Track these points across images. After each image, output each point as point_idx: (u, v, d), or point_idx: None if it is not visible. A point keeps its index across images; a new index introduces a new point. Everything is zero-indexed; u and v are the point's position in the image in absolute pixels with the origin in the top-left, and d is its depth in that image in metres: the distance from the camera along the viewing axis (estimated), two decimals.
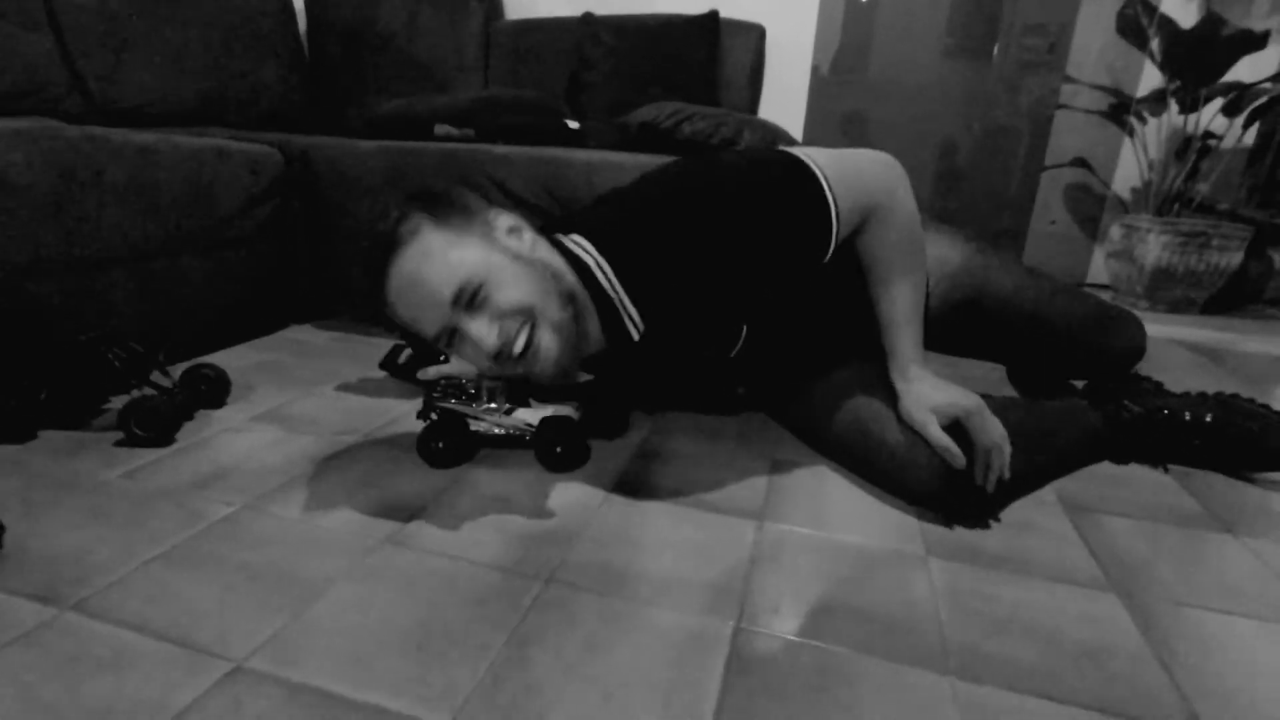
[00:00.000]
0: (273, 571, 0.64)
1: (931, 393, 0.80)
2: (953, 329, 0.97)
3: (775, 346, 0.94)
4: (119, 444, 0.89)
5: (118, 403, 0.98)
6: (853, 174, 0.78)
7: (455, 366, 1.16)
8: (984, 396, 0.80)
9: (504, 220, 0.78)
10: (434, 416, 0.89)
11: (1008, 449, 0.76)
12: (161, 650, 0.53)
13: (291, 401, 1.09)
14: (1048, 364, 1.00)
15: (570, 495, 0.81)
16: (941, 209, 2.70)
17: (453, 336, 0.74)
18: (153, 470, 0.83)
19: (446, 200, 0.75)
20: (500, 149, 1.38)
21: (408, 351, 1.18)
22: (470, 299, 0.71)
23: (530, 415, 0.88)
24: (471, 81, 1.97)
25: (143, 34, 1.58)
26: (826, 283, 0.89)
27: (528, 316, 0.73)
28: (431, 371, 1.14)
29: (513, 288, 0.72)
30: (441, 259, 0.71)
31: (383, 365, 1.19)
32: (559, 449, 0.86)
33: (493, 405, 0.88)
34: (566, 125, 1.79)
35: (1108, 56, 2.54)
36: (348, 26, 2.03)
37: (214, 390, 1.03)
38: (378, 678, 0.51)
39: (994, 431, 0.76)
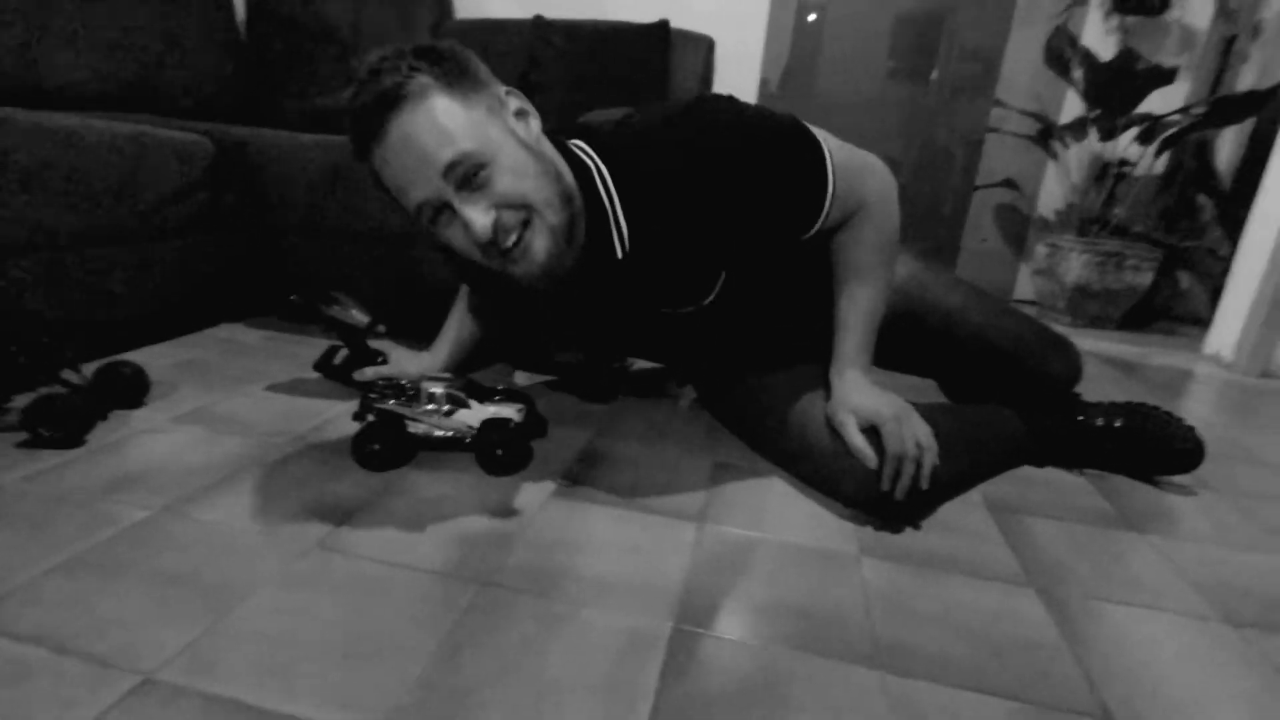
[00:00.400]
0: (190, 578, 0.60)
1: (856, 395, 0.82)
2: (893, 342, 0.99)
3: (737, 315, 0.91)
4: (22, 445, 0.83)
5: (22, 401, 0.92)
6: (856, 166, 0.80)
7: (392, 368, 1.13)
8: (914, 404, 0.83)
9: (514, 101, 0.72)
10: (371, 418, 0.86)
11: (929, 459, 0.78)
12: (62, 664, 0.50)
13: (217, 402, 1.04)
14: (987, 381, 1.01)
15: (510, 498, 0.80)
16: None
17: (439, 214, 0.69)
18: (59, 473, 0.78)
19: (457, 64, 0.68)
20: None
21: (343, 352, 1.14)
22: (470, 176, 0.66)
23: (471, 417, 0.87)
24: None
25: (66, 10, 1.49)
26: (797, 271, 0.89)
27: (527, 212, 0.69)
28: (368, 372, 1.11)
29: (517, 177, 0.68)
30: (447, 124, 0.65)
31: (317, 366, 1.15)
32: (500, 451, 0.85)
33: (432, 407, 0.86)
34: None
35: (1035, 84, 2.68)
36: (290, 17, 1.97)
37: (131, 389, 0.97)
38: (301, 687, 0.49)
39: (909, 440, 0.77)
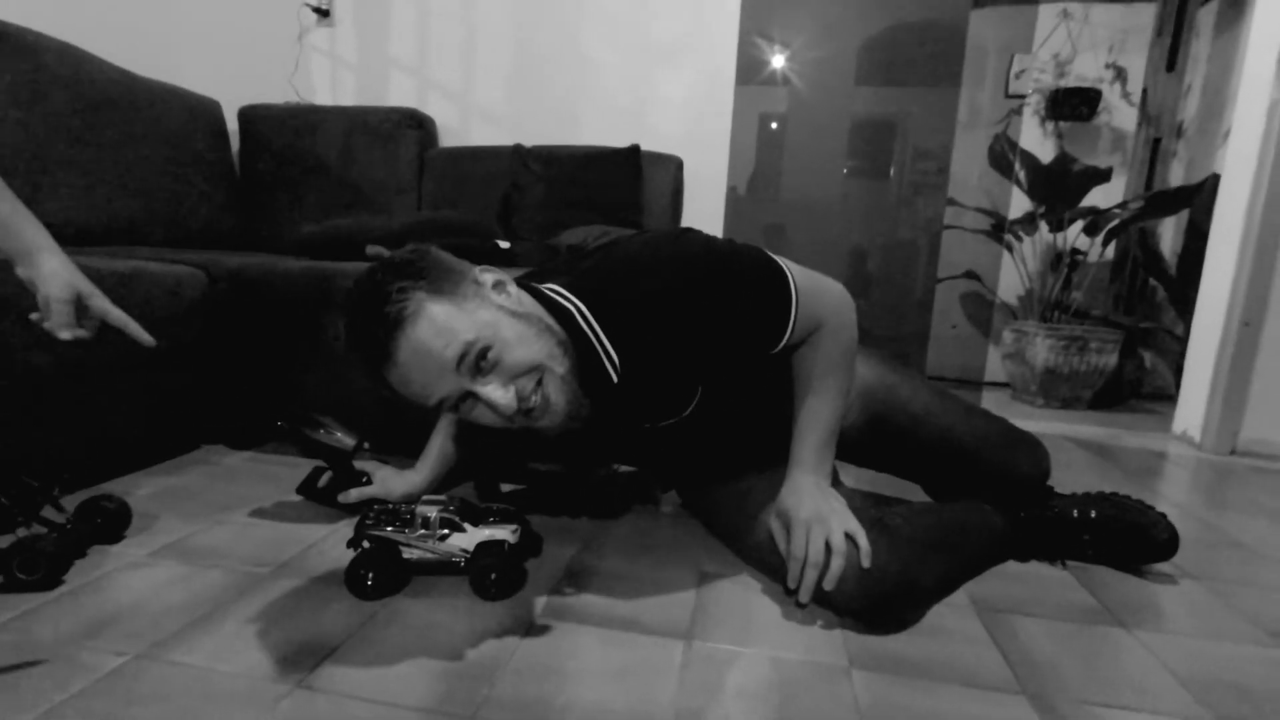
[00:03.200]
0: None
1: (790, 497, 0.86)
2: (866, 445, 1.03)
3: (713, 424, 0.95)
4: None
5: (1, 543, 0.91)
6: (816, 289, 0.86)
7: (377, 488, 1.13)
8: (900, 500, 0.85)
9: (488, 276, 0.78)
10: (366, 544, 0.86)
11: (836, 564, 0.79)
12: None
13: (198, 532, 1.03)
14: (956, 481, 1.03)
15: (497, 623, 0.79)
16: None
17: (461, 402, 0.75)
18: (32, 619, 0.76)
19: (435, 268, 0.74)
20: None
21: (328, 474, 1.14)
22: (479, 361, 0.72)
23: (465, 540, 0.87)
24: (406, 204, 2.04)
25: (65, 155, 1.58)
26: (767, 382, 0.94)
27: (538, 372, 0.75)
28: (353, 494, 1.12)
29: (520, 347, 0.74)
30: (448, 329, 0.71)
31: (300, 490, 1.15)
32: (494, 575, 0.85)
33: (425, 531, 0.86)
34: (498, 246, 1.86)
35: (985, 182, 2.88)
36: (281, 150, 2.09)
37: (112, 524, 0.97)
38: None
39: (816, 544, 0.81)
